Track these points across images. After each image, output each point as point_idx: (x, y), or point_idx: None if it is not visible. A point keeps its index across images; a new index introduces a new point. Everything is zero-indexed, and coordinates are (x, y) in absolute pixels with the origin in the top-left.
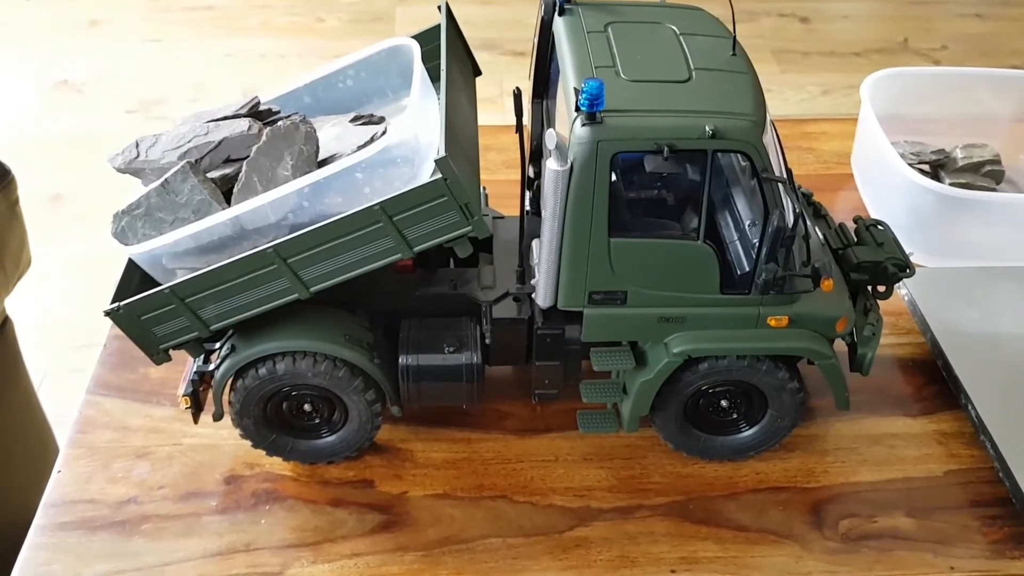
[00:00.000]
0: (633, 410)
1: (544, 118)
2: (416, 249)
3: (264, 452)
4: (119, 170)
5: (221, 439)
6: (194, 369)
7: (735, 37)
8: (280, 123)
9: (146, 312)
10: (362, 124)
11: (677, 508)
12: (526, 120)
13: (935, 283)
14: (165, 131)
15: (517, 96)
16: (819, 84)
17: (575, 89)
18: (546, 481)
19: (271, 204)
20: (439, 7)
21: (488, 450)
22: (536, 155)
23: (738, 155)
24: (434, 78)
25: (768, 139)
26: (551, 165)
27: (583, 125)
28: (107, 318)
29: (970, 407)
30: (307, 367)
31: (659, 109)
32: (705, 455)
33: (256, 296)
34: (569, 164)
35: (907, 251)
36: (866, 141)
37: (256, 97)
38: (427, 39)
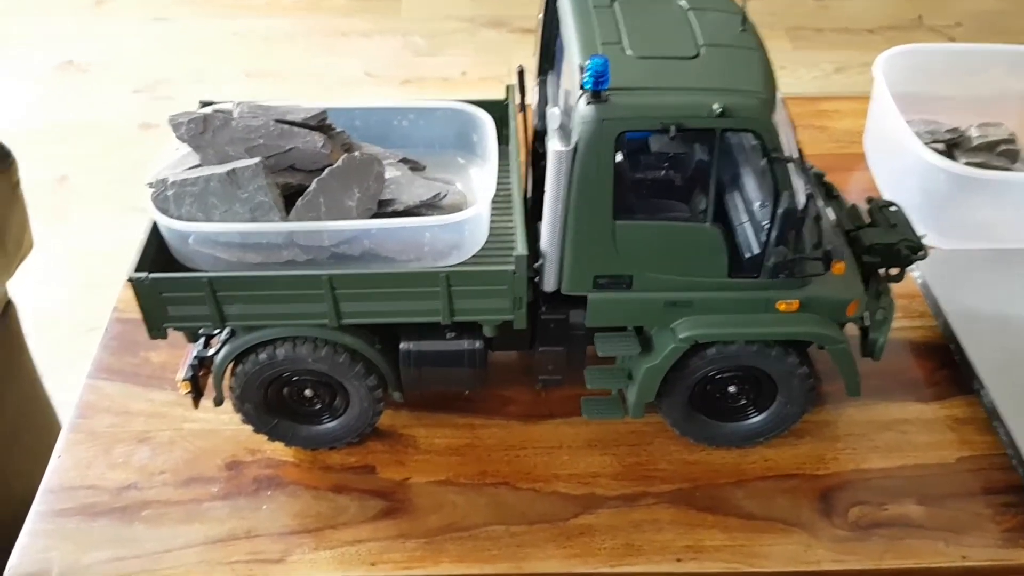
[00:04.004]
0: (638, 396)
1: (549, 96)
2: (455, 319)
3: (266, 437)
4: (180, 139)
5: (222, 424)
6: (194, 354)
7: (744, 12)
8: (357, 154)
9: (171, 291)
10: (409, 168)
11: (683, 496)
12: (532, 99)
13: (948, 265)
14: (235, 116)
15: (520, 74)
16: (832, 62)
17: (580, 66)
18: (550, 468)
19: (331, 232)
20: (519, 71)
21: (491, 436)
22: (541, 134)
23: (747, 134)
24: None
25: (778, 117)
26: (554, 145)
27: (588, 103)
28: (125, 288)
29: (983, 392)
30: (307, 352)
31: (665, 87)
32: (712, 442)
33: (287, 310)
34: (573, 144)
35: (920, 233)
36: (879, 120)
37: (325, 111)
38: (492, 109)
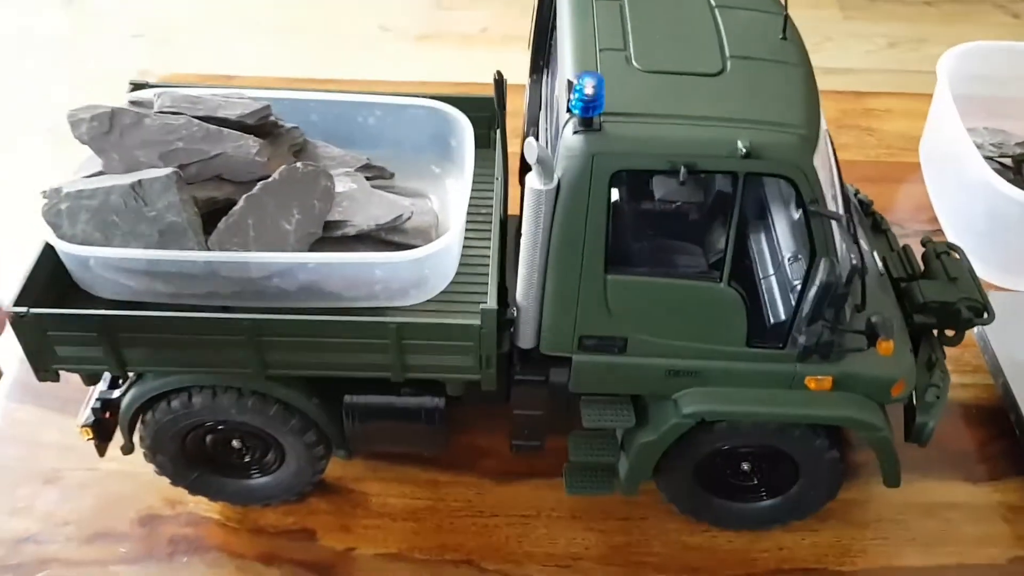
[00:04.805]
0: (631, 473)
1: (543, 99)
2: (407, 376)
3: None
4: (79, 139)
5: (143, 465)
6: (96, 395)
7: (787, 14)
8: (299, 166)
9: (57, 329)
10: (373, 177)
11: None
12: (522, 100)
13: (1014, 312)
14: (152, 111)
15: (498, 82)
16: (885, 35)
17: (568, 82)
18: (523, 543)
19: (261, 264)
20: (496, 77)
21: (458, 498)
22: None
23: (781, 180)
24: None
25: (821, 158)
26: (532, 183)
27: (575, 132)
28: None
29: None
30: (230, 403)
31: (677, 114)
32: (718, 522)
33: (201, 358)
34: (556, 183)
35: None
36: (939, 129)
37: (268, 106)
38: (478, 107)
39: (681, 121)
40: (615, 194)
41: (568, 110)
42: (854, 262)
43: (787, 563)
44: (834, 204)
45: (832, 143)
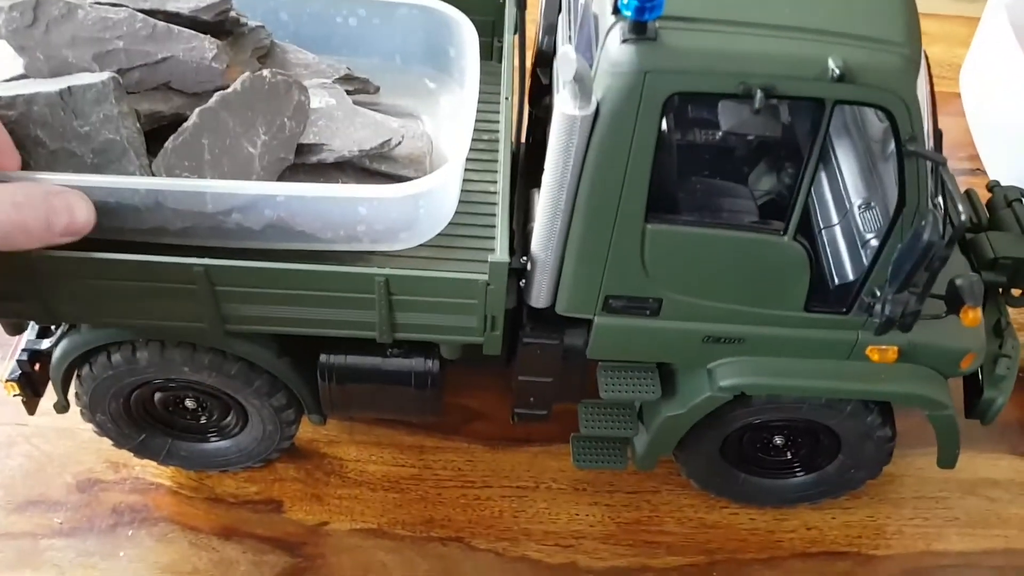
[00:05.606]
0: (651, 448)
1: (564, 1)
2: (397, 337)
3: None
4: None
5: (81, 422)
6: (22, 346)
7: None
8: (265, 74)
9: None
10: (355, 91)
11: (696, 575)
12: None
13: None
14: (87, 1)
15: None
16: None
17: None
18: (520, 519)
19: (216, 195)
20: None
21: (446, 465)
22: (547, 57)
23: (873, 109)
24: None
25: (920, 85)
26: (563, 106)
27: (623, 41)
28: None
29: None
30: (182, 359)
31: (752, 22)
32: (739, 498)
33: (141, 310)
34: (594, 107)
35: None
36: (989, 55)
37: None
38: (480, 8)
39: (757, 31)
40: (665, 129)
41: (616, 11)
42: (963, 217)
43: (815, 545)
44: (928, 142)
45: (929, 66)
